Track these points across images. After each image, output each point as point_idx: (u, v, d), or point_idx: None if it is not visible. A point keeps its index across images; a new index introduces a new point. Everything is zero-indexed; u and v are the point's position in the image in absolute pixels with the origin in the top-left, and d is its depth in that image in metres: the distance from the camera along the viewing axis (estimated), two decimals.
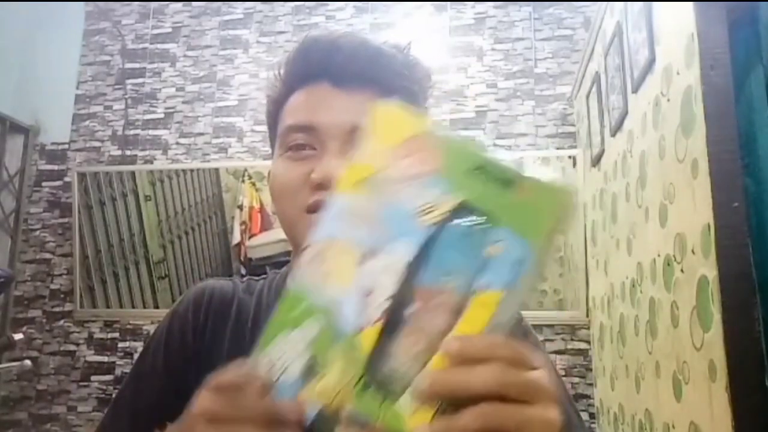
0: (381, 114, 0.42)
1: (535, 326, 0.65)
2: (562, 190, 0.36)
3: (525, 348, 0.37)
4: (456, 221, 0.38)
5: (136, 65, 3.02)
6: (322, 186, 0.55)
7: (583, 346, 2.47)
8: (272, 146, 0.67)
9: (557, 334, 2.50)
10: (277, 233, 2.74)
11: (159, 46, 3.02)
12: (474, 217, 0.37)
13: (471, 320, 0.35)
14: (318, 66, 0.61)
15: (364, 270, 0.38)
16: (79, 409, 2.71)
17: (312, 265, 0.40)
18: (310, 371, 0.38)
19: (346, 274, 0.39)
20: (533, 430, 0.34)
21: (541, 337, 2.48)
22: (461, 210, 0.38)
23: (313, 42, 0.62)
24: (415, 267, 0.37)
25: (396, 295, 0.37)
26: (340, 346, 0.38)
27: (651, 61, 1.41)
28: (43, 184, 2.95)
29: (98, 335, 2.77)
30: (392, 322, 0.37)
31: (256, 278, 0.73)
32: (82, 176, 2.88)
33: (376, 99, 0.59)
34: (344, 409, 0.37)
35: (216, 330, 0.65)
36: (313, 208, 0.56)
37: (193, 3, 3.03)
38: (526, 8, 2.77)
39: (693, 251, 1.12)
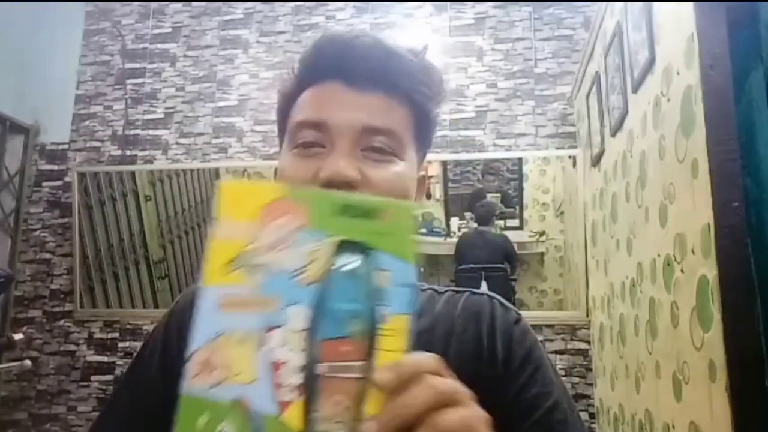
0: (229, 191, 0.40)
1: (535, 326, 0.65)
2: (409, 206, 0.41)
3: (432, 357, 0.39)
4: (339, 266, 0.38)
5: (136, 65, 3.02)
6: (331, 184, 0.54)
7: (583, 346, 2.47)
8: (280, 142, 0.67)
9: (557, 334, 2.50)
10: None
11: (159, 46, 3.02)
12: (354, 257, 0.38)
13: (389, 350, 0.37)
14: (332, 64, 0.60)
15: (266, 352, 0.37)
16: (79, 409, 2.71)
17: (207, 368, 0.37)
18: None
19: (248, 363, 0.37)
20: (476, 427, 0.37)
21: (541, 337, 2.48)
22: (339, 254, 0.38)
23: (329, 40, 0.62)
24: (314, 328, 0.37)
25: (305, 365, 0.37)
26: None
27: (651, 61, 1.41)
28: (43, 184, 2.95)
29: (98, 335, 2.77)
30: (310, 392, 0.37)
31: None
32: (82, 176, 2.88)
33: (387, 99, 0.59)
34: None
35: None
36: None
37: (193, 3, 3.03)
38: (526, 8, 2.77)
39: (693, 251, 1.12)
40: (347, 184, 0.54)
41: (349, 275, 0.38)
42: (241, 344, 0.37)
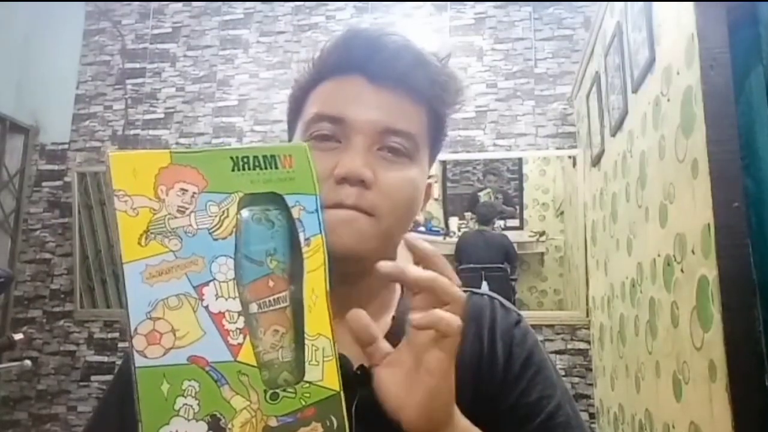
0: (118, 162, 0.39)
1: (535, 326, 0.65)
2: (302, 147, 0.43)
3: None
4: (248, 215, 0.41)
5: (136, 65, 3.02)
6: (346, 181, 0.53)
7: (583, 346, 2.47)
8: (290, 132, 0.65)
9: (557, 334, 2.50)
10: None
11: (159, 46, 3.02)
12: (257, 206, 0.41)
13: (313, 269, 0.41)
14: (357, 59, 0.59)
15: (204, 309, 0.39)
16: (79, 409, 2.71)
17: (153, 338, 0.38)
18: (218, 426, 0.38)
19: (191, 322, 0.38)
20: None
21: (540, 338, 2.48)
22: (247, 205, 0.41)
23: (356, 34, 0.61)
24: (239, 274, 0.40)
25: (242, 311, 0.40)
26: (229, 383, 0.39)
27: (651, 61, 1.41)
28: (43, 184, 2.95)
29: (98, 335, 2.78)
30: (251, 331, 0.40)
31: None
32: (82, 176, 2.88)
33: (408, 102, 0.58)
34: (270, 425, 0.39)
35: None
36: (334, 206, 0.54)
37: (193, 3, 3.03)
38: (526, 8, 2.77)
39: (693, 251, 1.12)
40: (361, 183, 0.53)
41: (259, 220, 0.41)
42: (180, 307, 0.38)
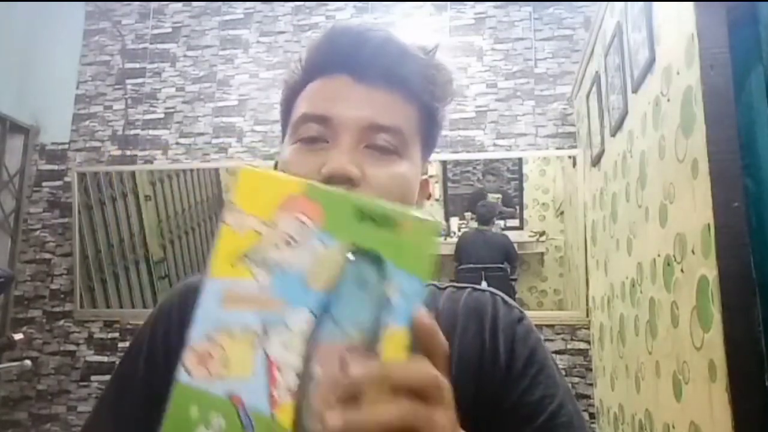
0: (248, 178, 0.38)
1: (535, 326, 0.64)
2: (433, 224, 0.38)
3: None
4: (349, 274, 0.37)
5: (136, 65, 3.02)
6: (333, 180, 0.53)
7: (583, 346, 2.47)
8: (283, 132, 0.65)
9: (557, 334, 2.50)
10: None
11: (159, 46, 3.02)
12: (366, 266, 0.37)
13: (390, 355, 0.36)
14: (341, 57, 0.58)
15: (263, 351, 0.37)
16: (79, 409, 2.71)
17: (204, 360, 0.37)
18: None
19: (245, 359, 0.37)
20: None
21: (540, 337, 2.48)
22: (352, 261, 0.37)
23: (339, 32, 0.60)
24: (315, 332, 0.37)
25: (303, 368, 0.37)
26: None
27: (651, 61, 1.41)
28: (43, 184, 2.96)
29: (98, 335, 2.78)
30: (302, 396, 0.37)
31: None
32: (82, 176, 2.88)
33: (395, 97, 0.58)
34: None
35: None
36: None
37: (193, 3, 3.03)
38: (526, 8, 2.77)
39: (693, 251, 1.12)
40: (348, 181, 0.53)
41: (358, 284, 0.37)
42: (241, 340, 0.37)
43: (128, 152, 2.92)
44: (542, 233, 2.70)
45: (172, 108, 2.94)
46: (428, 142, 0.63)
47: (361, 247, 0.37)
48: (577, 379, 2.44)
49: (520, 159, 2.72)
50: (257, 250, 0.37)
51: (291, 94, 0.63)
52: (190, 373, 0.37)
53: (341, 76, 0.58)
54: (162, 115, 2.94)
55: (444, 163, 2.75)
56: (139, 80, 3.00)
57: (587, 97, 2.26)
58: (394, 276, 0.37)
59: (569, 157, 2.61)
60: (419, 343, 0.37)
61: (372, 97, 0.57)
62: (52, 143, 2.99)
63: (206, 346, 0.37)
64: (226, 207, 0.37)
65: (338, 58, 0.58)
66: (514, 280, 2.69)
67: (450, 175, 2.79)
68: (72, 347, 2.78)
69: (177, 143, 2.90)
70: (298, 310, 0.37)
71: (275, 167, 0.66)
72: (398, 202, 0.56)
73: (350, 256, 0.37)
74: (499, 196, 2.75)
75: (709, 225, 1.02)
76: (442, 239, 2.71)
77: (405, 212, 0.38)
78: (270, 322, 0.37)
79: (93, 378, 2.73)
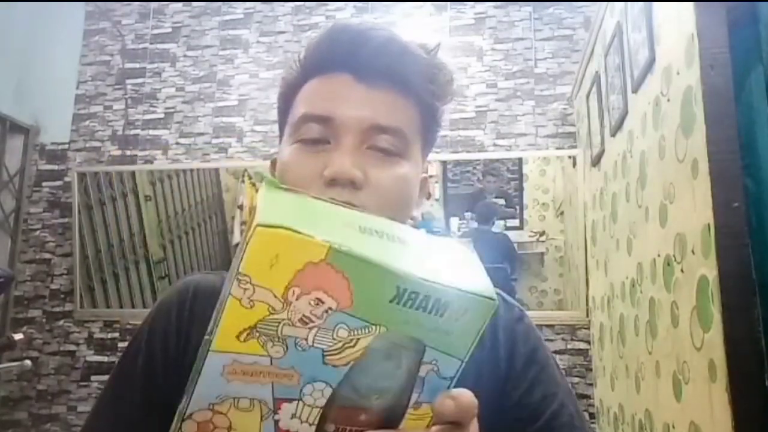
0: (264, 240, 0.31)
1: (535, 325, 0.64)
2: (490, 305, 0.33)
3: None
4: (379, 347, 0.33)
5: (136, 65, 3.02)
6: (335, 183, 0.52)
7: (583, 346, 2.47)
8: (281, 130, 0.64)
9: (557, 334, 2.50)
10: None
11: (159, 46, 3.02)
12: (395, 341, 0.33)
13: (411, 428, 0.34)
14: (342, 55, 0.57)
15: (273, 422, 0.34)
16: (79, 409, 2.71)
17: (204, 429, 0.34)
18: None
19: (252, 430, 0.34)
20: None
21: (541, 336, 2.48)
22: (382, 341, 0.33)
23: (340, 30, 0.59)
24: (332, 397, 0.34)
25: (318, 426, 0.34)
26: None
27: (651, 61, 1.41)
28: (43, 184, 2.95)
29: (98, 335, 2.78)
30: None
31: None
32: (82, 176, 2.88)
33: (396, 97, 0.57)
34: None
35: (200, 326, 0.62)
36: None
37: (193, 3, 3.03)
38: (526, 8, 2.77)
39: (693, 251, 1.12)
40: (351, 184, 0.52)
41: (389, 357, 0.34)
42: (248, 411, 0.34)
43: (128, 152, 2.92)
44: (542, 233, 2.70)
45: (172, 108, 2.94)
46: (428, 141, 0.62)
47: (393, 330, 0.32)
48: (577, 379, 2.44)
49: (520, 159, 2.72)
50: (268, 325, 0.32)
51: (289, 92, 0.61)
52: None
53: (341, 75, 0.57)
54: (162, 115, 2.94)
55: (444, 163, 2.75)
56: (139, 80, 2.99)
57: (587, 97, 2.26)
58: (430, 357, 0.33)
59: (569, 157, 2.61)
60: (457, 413, 0.35)
61: (373, 97, 0.56)
62: (52, 143, 2.99)
63: (209, 416, 0.34)
64: (235, 275, 0.31)
65: (339, 56, 0.57)
66: (514, 280, 2.69)
67: (450, 175, 2.79)
68: (72, 347, 2.78)
69: (177, 143, 2.90)
70: (315, 384, 0.33)
71: (272, 166, 0.65)
72: (400, 203, 0.56)
73: (382, 336, 0.33)
74: (502, 202, 2.75)
75: (709, 225, 1.02)
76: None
77: (461, 291, 0.32)
78: (282, 394, 0.33)
79: (93, 378, 2.73)
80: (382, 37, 0.57)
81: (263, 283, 0.31)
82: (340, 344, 0.32)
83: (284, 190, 0.38)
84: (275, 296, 0.32)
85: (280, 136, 0.64)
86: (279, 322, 0.32)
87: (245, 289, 0.32)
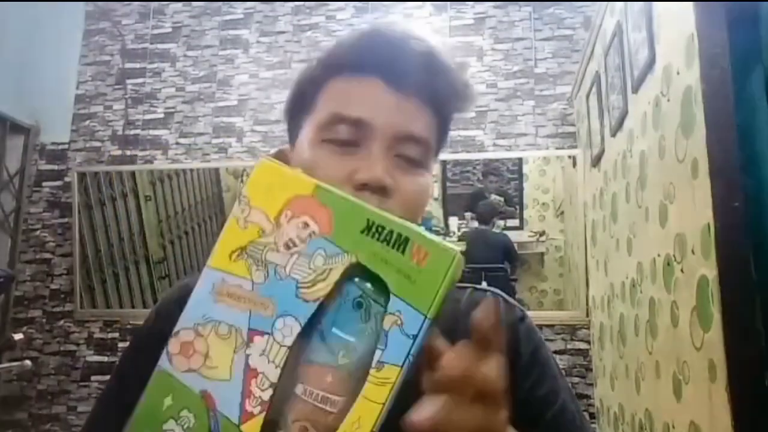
0: (264, 171, 0.37)
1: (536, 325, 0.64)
2: (451, 254, 0.34)
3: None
4: (346, 292, 0.35)
5: (136, 65, 3.02)
6: (366, 188, 0.52)
7: (583, 346, 2.47)
8: (291, 123, 0.63)
9: (557, 334, 2.50)
10: None
11: (159, 46, 3.02)
12: (366, 287, 0.35)
13: (370, 399, 0.33)
14: (378, 60, 0.56)
15: (244, 356, 0.35)
16: (79, 409, 2.71)
17: (187, 350, 0.36)
18: None
19: (225, 360, 0.35)
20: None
21: (542, 337, 2.48)
22: (352, 276, 0.35)
23: (380, 35, 0.58)
24: (301, 344, 0.35)
25: (278, 382, 0.35)
26: None
27: (651, 61, 1.41)
28: (43, 184, 2.95)
29: (98, 335, 2.78)
30: (276, 410, 0.35)
31: None
32: (82, 176, 2.88)
33: (424, 108, 0.57)
34: None
35: None
36: None
37: (193, 3, 3.03)
38: (526, 8, 2.77)
39: (693, 251, 1.12)
40: (382, 190, 0.52)
41: (355, 305, 0.35)
42: (225, 339, 0.36)
43: (128, 152, 2.92)
44: (542, 233, 2.70)
45: (172, 108, 2.94)
46: (439, 151, 0.64)
47: (363, 262, 0.35)
48: (577, 379, 2.44)
49: (520, 159, 2.72)
50: (257, 247, 0.36)
51: (311, 87, 0.60)
52: (171, 361, 0.37)
53: (373, 79, 0.56)
54: (162, 115, 2.94)
55: (444, 162, 2.75)
56: (139, 80, 2.99)
57: (587, 97, 2.26)
58: (395, 307, 0.34)
59: (569, 157, 2.61)
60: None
61: (405, 106, 0.56)
62: (52, 143, 2.99)
63: (192, 337, 0.36)
64: (238, 198, 0.37)
65: (374, 60, 0.57)
66: (515, 280, 2.69)
67: (449, 174, 2.79)
68: (72, 347, 2.78)
69: (177, 143, 2.90)
70: (286, 318, 0.35)
71: (279, 157, 0.64)
72: (420, 212, 0.57)
73: (348, 286, 0.35)
74: (502, 199, 2.75)
75: (709, 225, 1.02)
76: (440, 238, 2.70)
77: (422, 234, 0.34)
78: (257, 325, 0.35)
79: (93, 378, 2.73)
80: (420, 49, 0.57)
81: (258, 204, 0.36)
82: (313, 275, 0.35)
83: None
84: (268, 218, 0.36)
85: (292, 129, 0.63)
86: (265, 246, 0.35)
87: (242, 209, 0.36)
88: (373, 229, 0.35)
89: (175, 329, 0.37)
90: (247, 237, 0.36)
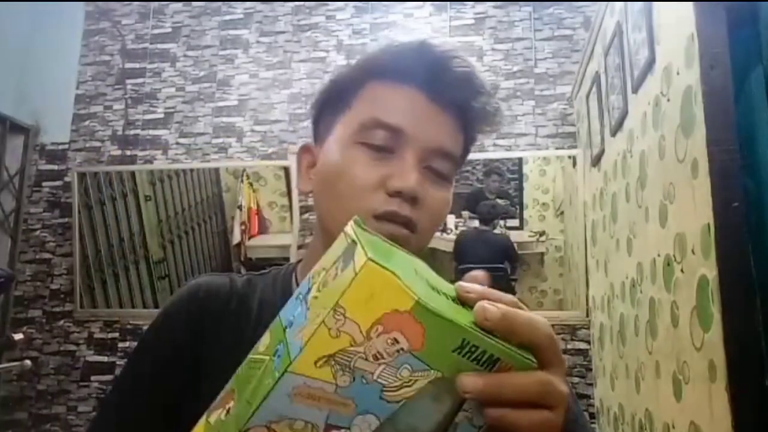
0: (368, 276, 0.34)
1: None
2: (528, 363, 0.37)
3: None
4: (429, 389, 0.36)
5: (136, 65, 3.02)
6: (400, 195, 0.54)
7: (583, 346, 2.47)
8: (322, 121, 0.64)
9: (557, 334, 2.48)
10: (275, 238, 2.74)
11: (159, 46, 3.02)
12: (446, 389, 0.36)
13: None
14: (421, 74, 0.58)
15: None
16: (79, 409, 2.71)
17: None
18: None
19: None
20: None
21: None
22: (435, 387, 0.36)
23: (426, 49, 0.59)
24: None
25: None
26: None
27: (651, 61, 1.41)
28: (43, 184, 2.95)
29: (98, 335, 2.77)
30: None
31: (257, 273, 0.71)
32: (82, 176, 2.88)
33: (457, 126, 0.60)
34: None
35: (213, 330, 0.63)
36: (384, 217, 0.54)
37: (193, 3, 3.03)
38: (526, 8, 2.77)
39: (693, 251, 1.12)
40: (413, 200, 0.54)
41: (433, 398, 0.36)
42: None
43: (128, 152, 2.92)
44: (542, 233, 2.70)
45: (172, 108, 2.94)
46: (460, 167, 0.66)
47: (448, 375, 0.36)
48: (577, 379, 2.44)
49: (520, 159, 2.72)
50: (345, 356, 0.35)
51: (348, 87, 0.61)
52: None
53: (412, 90, 0.58)
54: (162, 115, 2.94)
55: None
56: (139, 80, 3.00)
57: (587, 97, 2.26)
58: (469, 405, 0.36)
59: (569, 157, 2.61)
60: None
61: (441, 121, 0.58)
62: (52, 143, 2.99)
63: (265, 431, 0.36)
64: (332, 306, 0.34)
65: (418, 71, 0.58)
66: (515, 280, 2.69)
67: None
68: (72, 347, 2.78)
69: (177, 143, 2.90)
70: (366, 416, 0.35)
71: (304, 152, 0.65)
72: (440, 224, 0.60)
73: (436, 381, 0.36)
74: (507, 202, 2.74)
75: (709, 225, 1.02)
76: (438, 234, 2.71)
77: (511, 354, 0.36)
78: (334, 420, 0.35)
79: (93, 378, 2.73)
80: (462, 70, 0.58)
81: (354, 316, 0.34)
82: (399, 382, 0.35)
83: (365, 230, 0.41)
84: (360, 330, 0.34)
85: (320, 126, 0.64)
86: (355, 355, 0.34)
87: (337, 320, 0.34)
88: (466, 349, 0.35)
89: (247, 426, 0.36)
90: (337, 345, 0.35)
